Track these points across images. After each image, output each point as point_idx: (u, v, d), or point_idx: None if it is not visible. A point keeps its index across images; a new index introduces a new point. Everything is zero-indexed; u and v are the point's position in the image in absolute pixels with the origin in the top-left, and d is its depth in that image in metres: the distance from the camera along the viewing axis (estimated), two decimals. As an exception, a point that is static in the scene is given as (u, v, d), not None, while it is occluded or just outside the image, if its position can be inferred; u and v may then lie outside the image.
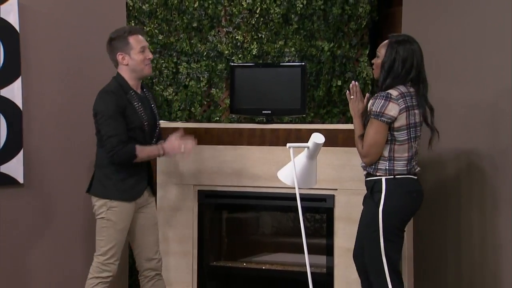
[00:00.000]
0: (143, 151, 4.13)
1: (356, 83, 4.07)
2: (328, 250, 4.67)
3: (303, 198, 3.61)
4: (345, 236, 4.60)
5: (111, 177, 4.17)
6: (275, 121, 4.95)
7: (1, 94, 4.53)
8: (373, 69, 4.03)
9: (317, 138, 3.53)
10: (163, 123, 4.99)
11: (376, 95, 3.85)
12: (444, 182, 4.69)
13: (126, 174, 4.17)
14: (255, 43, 5.35)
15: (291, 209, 4.90)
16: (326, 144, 3.65)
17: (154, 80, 5.33)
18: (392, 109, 3.77)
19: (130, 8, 5.24)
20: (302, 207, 3.50)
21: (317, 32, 5.46)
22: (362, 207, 4.54)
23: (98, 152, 4.23)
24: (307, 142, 3.56)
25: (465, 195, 4.63)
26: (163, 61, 5.32)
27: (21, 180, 4.59)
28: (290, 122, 5.27)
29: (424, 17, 4.93)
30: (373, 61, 4.03)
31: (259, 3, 5.33)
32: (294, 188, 3.53)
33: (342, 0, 5.46)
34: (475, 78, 4.53)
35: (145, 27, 5.30)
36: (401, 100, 3.79)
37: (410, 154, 3.86)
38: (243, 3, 5.33)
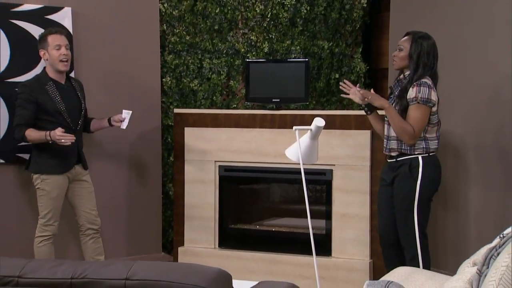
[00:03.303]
0: (32, 135, 4.17)
1: (346, 81, 4.01)
2: (327, 215, 4.75)
3: (307, 172, 3.63)
4: (341, 204, 4.67)
5: (42, 156, 4.27)
6: (283, 107, 4.98)
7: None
8: (394, 60, 3.91)
9: (319, 122, 3.56)
10: (190, 110, 5.10)
11: (415, 83, 3.76)
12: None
13: (53, 153, 4.24)
14: (266, 42, 5.39)
15: (296, 181, 4.92)
16: (325, 127, 3.69)
17: (182, 74, 5.33)
18: (434, 95, 3.76)
19: (163, 13, 5.24)
20: (305, 179, 3.53)
21: (318, 33, 5.55)
22: (355, 179, 4.52)
23: None
24: (310, 125, 3.59)
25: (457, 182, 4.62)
26: (189, 58, 5.33)
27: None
28: (296, 108, 5.30)
29: (409, 21, 4.92)
30: (394, 53, 3.90)
31: (270, 9, 5.36)
32: (299, 163, 3.54)
33: (339, 6, 5.53)
34: (457, 77, 4.49)
35: (175, 29, 5.27)
36: (434, 88, 3.80)
37: (438, 135, 3.87)
38: (257, 9, 5.35)
